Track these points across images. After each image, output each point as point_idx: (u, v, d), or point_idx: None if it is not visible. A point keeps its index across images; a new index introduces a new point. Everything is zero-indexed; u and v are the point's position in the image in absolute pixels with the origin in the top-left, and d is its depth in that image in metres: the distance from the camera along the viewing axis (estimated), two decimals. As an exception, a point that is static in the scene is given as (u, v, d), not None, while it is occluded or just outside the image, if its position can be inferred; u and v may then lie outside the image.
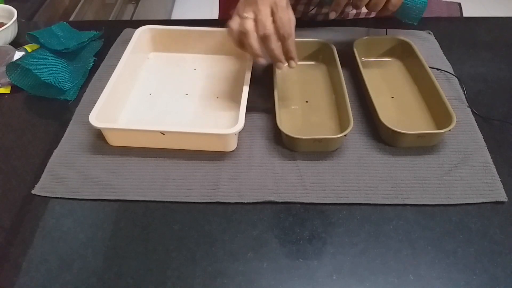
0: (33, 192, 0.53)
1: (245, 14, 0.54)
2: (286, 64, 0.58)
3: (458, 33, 0.80)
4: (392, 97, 0.65)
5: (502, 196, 0.52)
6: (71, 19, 1.20)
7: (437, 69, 0.69)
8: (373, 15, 0.84)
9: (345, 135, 0.55)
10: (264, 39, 0.54)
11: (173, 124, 0.61)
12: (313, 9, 0.79)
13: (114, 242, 0.48)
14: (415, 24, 0.71)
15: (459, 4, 1.34)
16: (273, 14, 0.54)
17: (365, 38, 0.71)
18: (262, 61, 0.57)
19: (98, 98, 0.57)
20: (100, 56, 0.74)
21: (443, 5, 1.33)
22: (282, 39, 0.55)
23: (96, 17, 1.39)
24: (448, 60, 0.72)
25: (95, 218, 0.51)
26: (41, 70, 0.65)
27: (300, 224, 0.50)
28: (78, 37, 0.73)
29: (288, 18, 0.55)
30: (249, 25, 0.54)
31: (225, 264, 0.46)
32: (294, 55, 0.58)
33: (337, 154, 0.57)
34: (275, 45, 0.55)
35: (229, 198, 0.52)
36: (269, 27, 0.54)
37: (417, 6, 0.69)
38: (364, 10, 0.83)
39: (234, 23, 0.56)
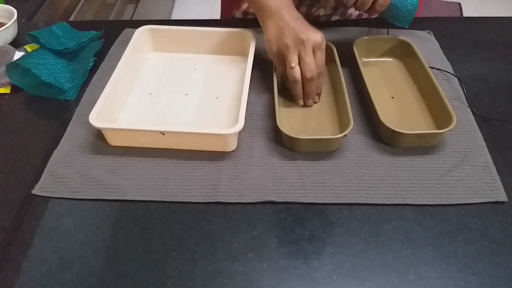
0: (33, 192, 0.53)
1: (293, 64, 0.59)
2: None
3: (458, 33, 0.80)
4: (392, 97, 0.65)
5: (502, 196, 0.52)
6: (71, 19, 1.20)
7: (437, 69, 0.69)
8: (375, 15, 0.84)
9: (345, 135, 0.55)
10: (310, 81, 0.60)
11: (173, 124, 0.61)
12: (316, 10, 0.80)
13: (114, 242, 0.48)
14: (406, 27, 0.71)
15: (459, 4, 1.35)
16: (314, 54, 0.59)
17: (365, 38, 0.71)
18: (301, 102, 0.63)
19: (98, 98, 0.57)
20: (100, 56, 0.74)
21: (443, 5, 1.33)
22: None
23: (96, 17, 1.39)
24: (448, 60, 0.72)
25: (95, 218, 0.51)
26: (41, 70, 0.65)
27: (300, 224, 0.50)
28: (78, 37, 0.73)
29: (324, 58, 0.61)
30: (297, 73, 0.60)
31: (225, 264, 0.46)
32: (321, 91, 0.64)
33: (337, 154, 0.57)
34: (315, 85, 0.61)
35: (229, 198, 0.52)
36: (315, 71, 0.60)
37: (406, 8, 0.68)
38: None
39: (279, 64, 0.62)
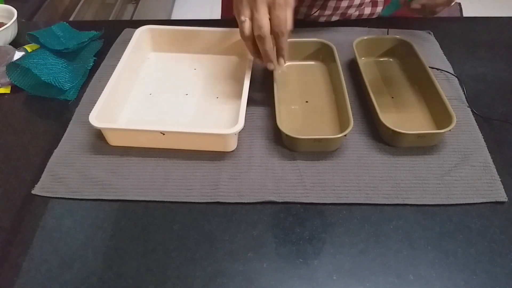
0: (33, 192, 0.53)
1: (242, 17, 0.54)
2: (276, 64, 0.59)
3: (458, 33, 0.80)
4: (392, 97, 0.65)
5: (502, 196, 0.52)
6: (71, 19, 1.20)
7: (437, 69, 0.69)
8: (375, 15, 0.84)
9: (345, 135, 0.55)
10: (259, 39, 0.55)
11: (173, 124, 0.61)
12: (316, 11, 0.80)
13: (114, 242, 0.48)
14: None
15: (459, 4, 1.34)
16: (270, 11, 0.53)
17: (365, 38, 0.71)
18: (259, 62, 0.59)
19: (98, 98, 0.57)
20: (100, 56, 0.74)
21: (443, 5, 1.33)
22: (275, 36, 0.55)
23: (96, 17, 1.39)
24: (448, 60, 0.72)
25: (95, 218, 0.51)
26: (41, 70, 0.65)
27: (300, 224, 0.50)
28: (78, 37, 0.73)
29: (285, 16, 0.54)
30: (246, 28, 0.55)
31: (225, 264, 0.46)
32: (284, 53, 0.58)
33: (337, 154, 0.57)
34: (269, 46, 0.55)
35: (229, 198, 0.52)
36: (265, 28, 0.53)
37: None
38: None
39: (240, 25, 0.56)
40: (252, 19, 0.54)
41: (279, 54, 0.58)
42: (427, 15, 0.62)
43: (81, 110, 0.64)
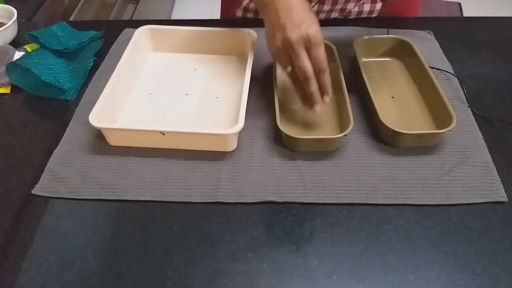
0: (33, 192, 0.53)
1: (288, 68, 0.56)
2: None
3: (458, 33, 0.80)
4: (392, 97, 0.65)
5: (502, 196, 0.52)
6: (71, 19, 1.20)
7: (437, 69, 0.69)
8: (375, 14, 0.84)
9: (345, 135, 0.55)
10: (305, 83, 0.56)
11: (173, 124, 0.61)
12: (314, 5, 0.79)
13: (114, 242, 0.48)
14: None
15: (459, 4, 1.35)
16: (308, 53, 0.54)
17: (365, 38, 0.71)
18: (307, 108, 0.59)
19: (98, 98, 0.57)
20: (100, 56, 0.74)
21: (443, 5, 1.33)
22: (318, 76, 0.56)
23: (96, 17, 1.39)
24: (448, 60, 0.72)
25: (95, 218, 0.51)
26: (41, 70, 0.65)
27: (300, 224, 0.50)
28: (78, 37, 0.73)
29: (323, 53, 0.55)
30: (294, 75, 0.56)
31: (225, 264, 0.46)
32: (328, 90, 0.57)
33: (337, 154, 0.57)
34: (315, 87, 0.56)
35: (229, 198, 0.52)
36: (309, 71, 0.54)
37: None
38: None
39: (279, 64, 0.60)
40: (294, 65, 0.55)
41: (323, 91, 0.57)
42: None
43: (81, 110, 0.64)
